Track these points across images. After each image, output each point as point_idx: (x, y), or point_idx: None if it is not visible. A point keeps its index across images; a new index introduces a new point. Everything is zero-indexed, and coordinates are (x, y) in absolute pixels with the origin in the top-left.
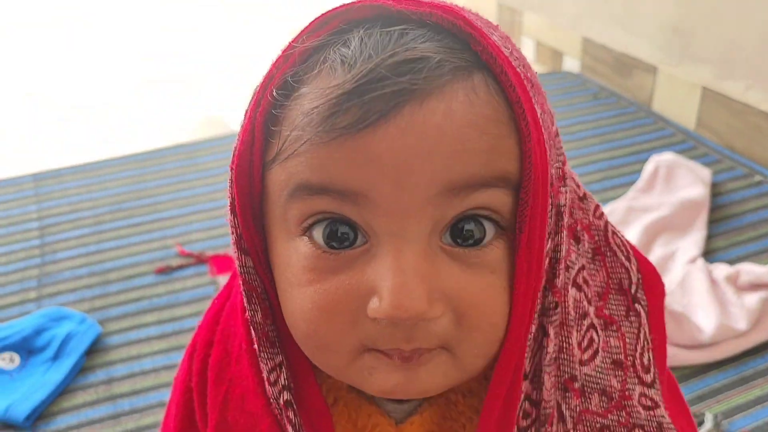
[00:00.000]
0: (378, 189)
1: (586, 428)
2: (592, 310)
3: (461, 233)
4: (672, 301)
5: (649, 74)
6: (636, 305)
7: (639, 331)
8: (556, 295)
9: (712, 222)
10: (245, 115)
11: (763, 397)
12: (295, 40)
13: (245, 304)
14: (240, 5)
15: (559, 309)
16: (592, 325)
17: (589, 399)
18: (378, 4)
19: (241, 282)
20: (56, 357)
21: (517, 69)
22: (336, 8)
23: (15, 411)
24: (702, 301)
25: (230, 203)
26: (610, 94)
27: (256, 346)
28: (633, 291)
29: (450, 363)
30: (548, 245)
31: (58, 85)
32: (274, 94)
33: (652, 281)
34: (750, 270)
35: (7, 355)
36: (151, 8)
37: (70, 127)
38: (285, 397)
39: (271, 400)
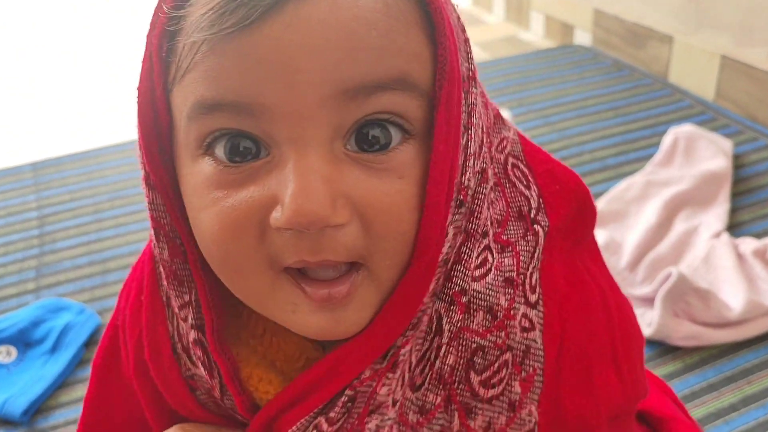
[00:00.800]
0: (269, 93)
1: (460, 346)
2: (491, 233)
3: (366, 139)
4: (697, 277)
5: (664, 44)
6: (535, 226)
7: (534, 250)
8: (461, 193)
9: (736, 195)
10: (144, 45)
11: None
12: None
13: (153, 242)
14: None
15: (463, 210)
16: (488, 247)
17: (473, 316)
18: None
19: (149, 219)
20: (54, 349)
21: None
22: None
23: (12, 406)
24: (729, 277)
25: (138, 138)
26: (624, 66)
27: (165, 283)
28: (532, 215)
29: (370, 284)
30: (462, 141)
31: (55, 70)
32: (166, 9)
33: (556, 201)
34: None
35: (3, 348)
36: None
37: (68, 115)
38: (193, 336)
39: (176, 340)
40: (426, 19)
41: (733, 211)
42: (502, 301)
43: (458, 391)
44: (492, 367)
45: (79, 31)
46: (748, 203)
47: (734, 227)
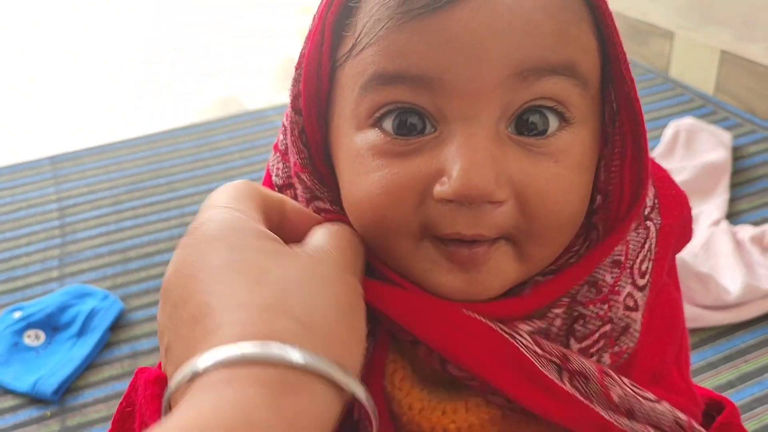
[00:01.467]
0: (454, 69)
1: (562, 313)
2: None
3: (526, 124)
4: (697, 263)
5: (666, 40)
6: (647, 222)
7: (645, 242)
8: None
9: (735, 185)
10: (314, 20)
11: None
12: None
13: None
14: None
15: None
16: None
17: (579, 289)
18: None
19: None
20: (81, 333)
21: None
22: None
23: (43, 385)
24: (727, 263)
25: (292, 101)
26: None
27: None
28: (646, 212)
29: (512, 255)
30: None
31: (68, 68)
32: None
33: (670, 204)
34: None
35: (32, 332)
36: None
37: (85, 110)
38: None
39: None
40: (593, 17)
41: (732, 200)
42: (608, 278)
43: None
44: (592, 336)
45: (79, 31)
46: (746, 193)
47: (733, 216)
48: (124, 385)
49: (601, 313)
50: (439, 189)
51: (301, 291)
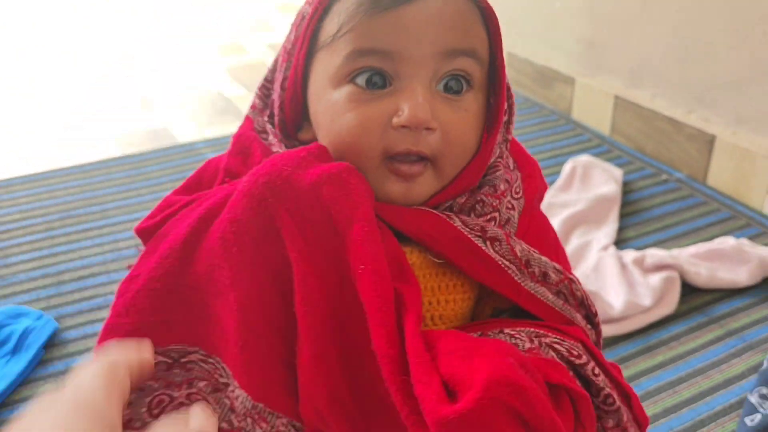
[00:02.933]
0: (405, 47)
1: (466, 198)
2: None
3: (447, 86)
4: (587, 282)
5: (567, 85)
6: (516, 171)
7: (517, 179)
8: (506, 128)
9: (623, 216)
10: (297, 20)
11: (665, 362)
12: None
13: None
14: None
15: (502, 140)
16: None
17: (482, 187)
18: None
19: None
20: (15, 350)
21: None
22: None
23: None
24: (613, 282)
25: (279, 97)
26: (534, 104)
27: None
28: (512, 167)
29: (433, 175)
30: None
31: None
32: None
33: (525, 161)
34: (654, 254)
35: None
36: (99, 18)
37: (16, 138)
38: None
39: None
40: (484, 21)
41: (621, 229)
42: (501, 186)
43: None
44: (486, 216)
45: (79, 31)
46: (633, 223)
47: (620, 242)
48: None
49: (495, 203)
50: (396, 119)
51: None
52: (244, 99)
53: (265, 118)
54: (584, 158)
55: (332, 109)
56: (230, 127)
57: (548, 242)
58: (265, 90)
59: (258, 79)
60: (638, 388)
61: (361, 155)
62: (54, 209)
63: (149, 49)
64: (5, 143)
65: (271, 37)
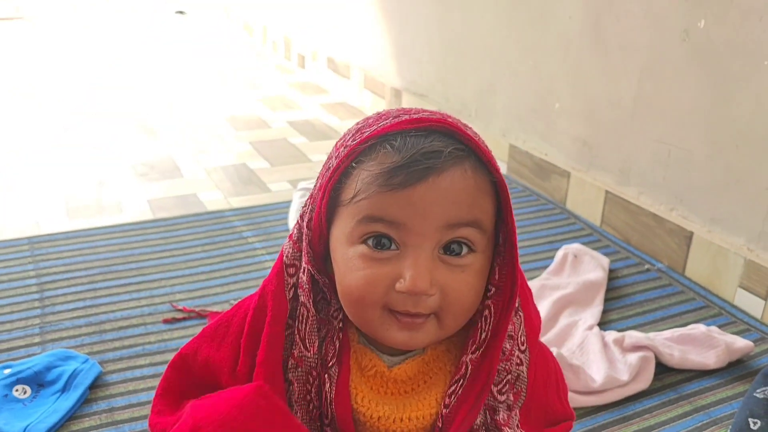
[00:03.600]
0: (411, 221)
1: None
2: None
3: (449, 249)
4: (572, 357)
5: (563, 178)
6: (520, 312)
7: (521, 324)
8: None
9: (608, 299)
10: (317, 184)
11: (640, 431)
12: (362, 139)
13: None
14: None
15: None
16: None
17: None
18: (404, 121)
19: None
20: (65, 389)
21: (491, 155)
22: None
23: (33, 430)
24: (595, 358)
25: (306, 222)
26: (532, 193)
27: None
28: (518, 306)
29: (436, 326)
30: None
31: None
32: (353, 164)
33: (526, 302)
34: (632, 335)
35: (20, 387)
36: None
37: (59, 193)
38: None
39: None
40: (494, 190)
41: (605, 311)
42: (507, 346)
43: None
44: (502, 383)
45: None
46: (616, 306)
47: (604, 323)
48: None
49: (507, 367)
50: (399, 285)
51: None
52: (267, 172)
53: (299, 252)
54: (575, 246)
55: (346, 264)
56: (255, 197)
57: (551, 384)
58: (300, 223)
59: (279, 154)
60: None
61: (366, 307)
62: (96, 264)
63: (174, 119)
64: (50, 198)
65: (292, 115)
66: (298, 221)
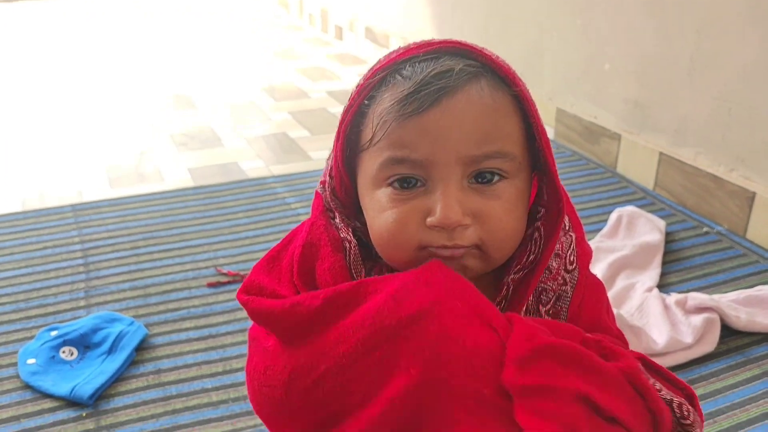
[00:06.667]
0: (432, 152)
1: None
2: None
3: (480, 176)
4: (632, 319)
5: (614, 141)
6: (570, 233)
7: (571, 243)
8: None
9: (666, 263)
10: (338, 129)
11: (705, 395)
12: (372, 73)
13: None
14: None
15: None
16: None
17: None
18: (413, 48)
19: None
20: (111, 351)
21: (510, 70)
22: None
23: (80, 391)
24: (656, 321)
25: (329, 184)
26: (581, 158)
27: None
28: (567, 228)
29: (479, 257)
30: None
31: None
32: (365, 102)
33: (576, 224)
34: (695, 296)
35: (67, 348)
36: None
37: (99, 162)
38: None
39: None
40: (519, 106)
41: (664, 274)
42: (554, 265)
43: (531, 309)
44: (549, 302)
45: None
46: (675, 270)
47: (664, 286)
48: (149, 395)
49: (554, 287)
50: (429, 220)
51: None
52: (308, 140)
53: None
54: (629, 208)
55: (374, 206)
56: (296, 165)
57: (601, 308)
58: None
59: (319, 123)
60: None
61: (398, 248)
62: (138, 230)
63: (212, 90)
64: (92, 167)
65: (331, 85)
66: (325, 169)
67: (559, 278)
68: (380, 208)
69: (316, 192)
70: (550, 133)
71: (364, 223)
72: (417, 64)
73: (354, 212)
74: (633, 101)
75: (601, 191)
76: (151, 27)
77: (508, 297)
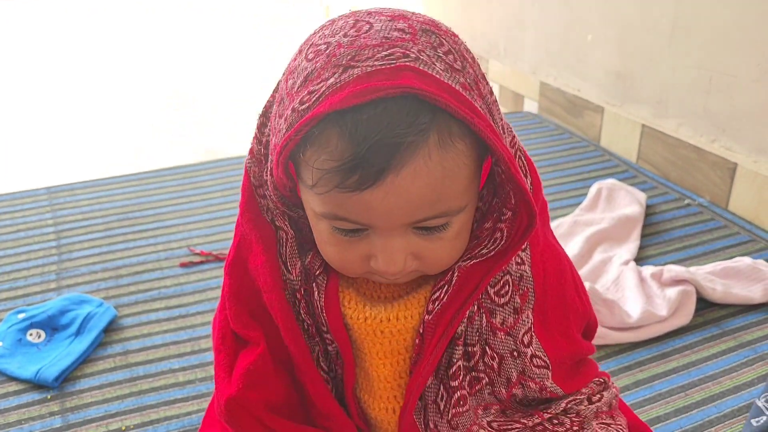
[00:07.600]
0: (374, 221)
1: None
2: None
3: (422, 229)
4: (607, 293)
5: (597, 114)
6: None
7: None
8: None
9: (645, 235)
10: (273, 136)
11: (679, 368)
12: (304, 119)
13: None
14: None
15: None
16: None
17: None
18: (357, 90)
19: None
20: (78, 332)
21: (469, 104)
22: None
23: (45, 373)
24: (631, 294)
25: (271, 183)
26: (564, 131)
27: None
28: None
29: (418, 272)
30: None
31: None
32: (303, 143)
33: (537, 189)
34: (671, 269)
35: (34, 331)
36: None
37: (74, 145)
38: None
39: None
40: (473, 140)
41: (642, 247)
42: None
43: (482, 300)
44: (499, 284)
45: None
46: (654, 242)
47: (641, 259)
48: (115, 377)
49: (505, 267)
50: (373, 264)
51: None
52: None
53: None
54: (610, 181)
55: (318, 234)
56: None
57: (566, 281)
58: (261, 129)
59: None
60: (651, 390)
61: (345, 272)
62: (112, 211)
63: (214, 86)
64: (66, 149)
65: None
66: (255, 133)
67: (517, 258)
68: (323, 241)
69: (245, 167)
70: (533, 107)
71: (304, 216)
72: (360, 120)
73: (295, 201)
74: (615, 72)
75: (583, 164)
76: (152, 23)
77: (452, 283)
